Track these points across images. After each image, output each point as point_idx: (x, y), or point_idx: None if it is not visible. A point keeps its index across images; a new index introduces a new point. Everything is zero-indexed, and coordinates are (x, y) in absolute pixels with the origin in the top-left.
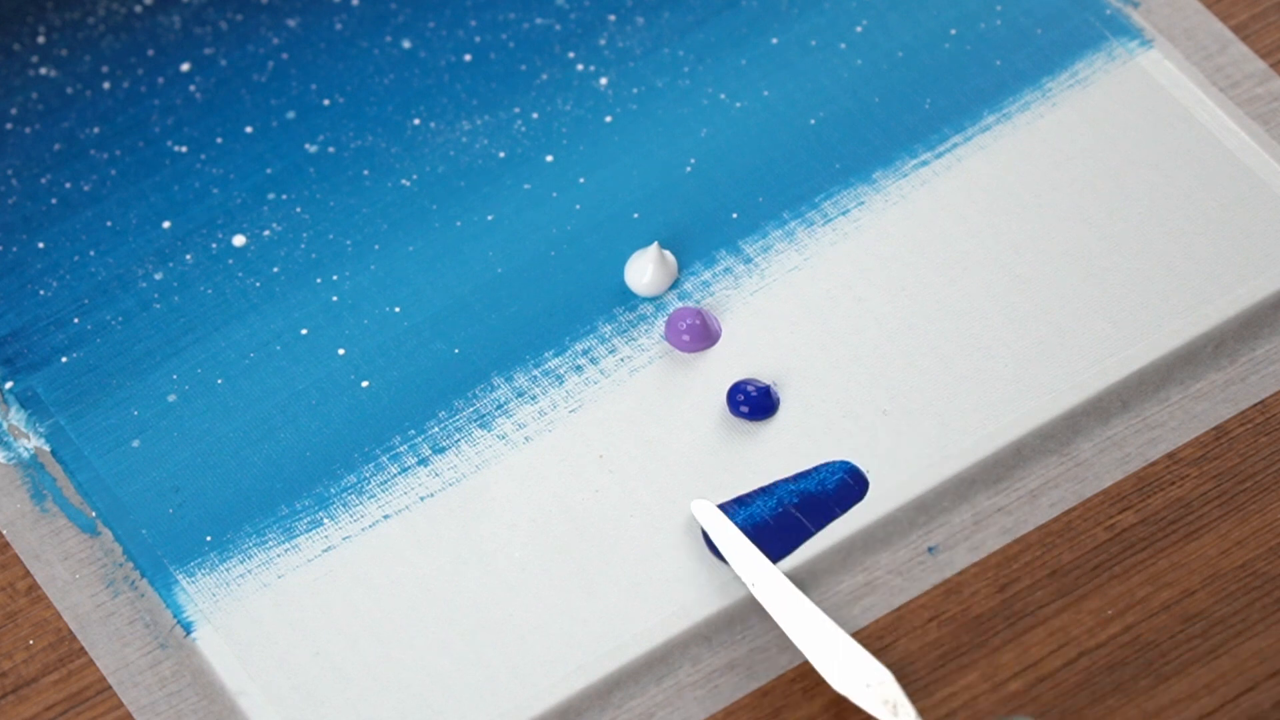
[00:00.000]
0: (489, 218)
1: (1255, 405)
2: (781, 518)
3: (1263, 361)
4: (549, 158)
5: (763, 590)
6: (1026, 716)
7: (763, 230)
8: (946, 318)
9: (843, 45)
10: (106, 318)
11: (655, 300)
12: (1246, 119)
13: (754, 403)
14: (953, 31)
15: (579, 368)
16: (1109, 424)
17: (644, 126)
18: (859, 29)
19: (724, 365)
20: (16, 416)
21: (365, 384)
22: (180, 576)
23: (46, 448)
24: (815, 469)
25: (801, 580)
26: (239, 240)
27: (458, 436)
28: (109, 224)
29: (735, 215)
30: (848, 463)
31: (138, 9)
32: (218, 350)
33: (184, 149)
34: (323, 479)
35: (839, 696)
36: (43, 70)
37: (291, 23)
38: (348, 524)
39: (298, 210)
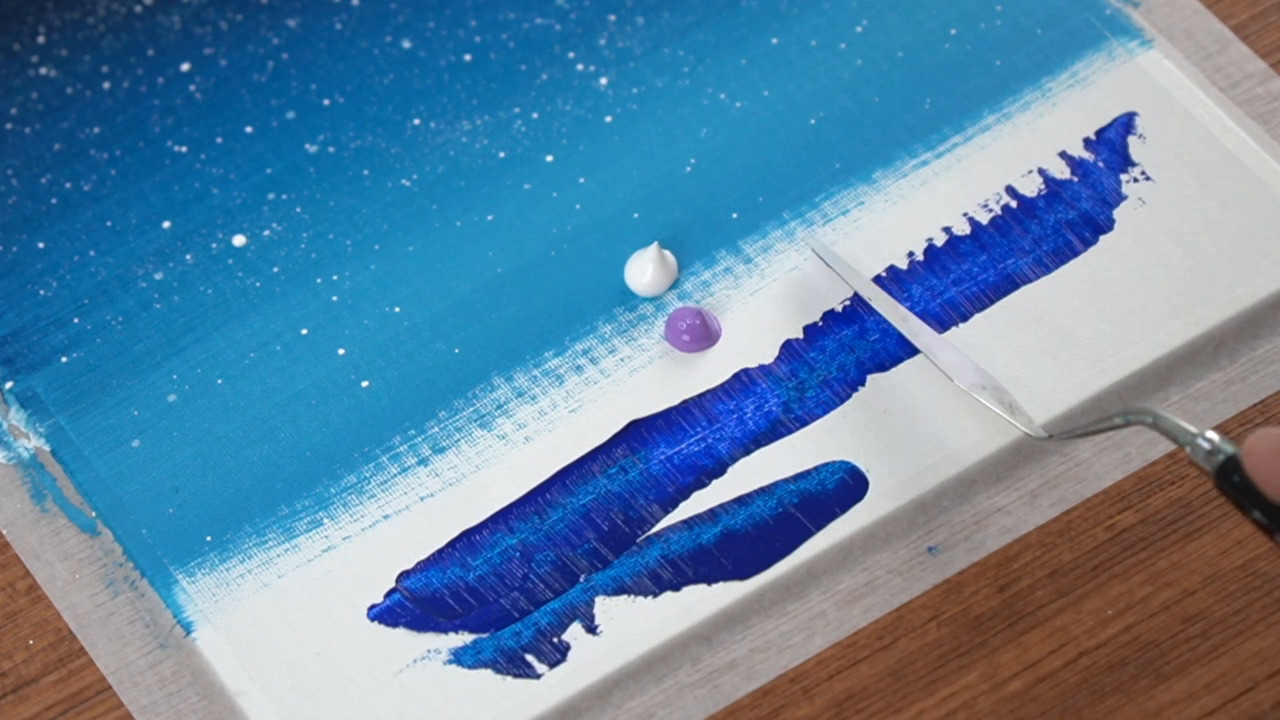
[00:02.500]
0: (489, 218)
1: (1255, 405)
2: (781, 518)
3: (1263, 361)
4: (549, 158)
5: (881, 303)
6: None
7: (763, 230)
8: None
9: (843, 45)
10: (106, 318)
11: (655, 300)
12: (1246, 119)
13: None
14: (953, 31)
15: (579, 368)
16: None
17: (644, 126)
18: (859, 29)
19: (724, 365)
20: (16, 416)
21: (365, 384)
22: (180, 576)
23: (46, 448)
24: (815, 469)
25: (801, 580)
26: (239, 240)
27: (458, 436)
28: (109, 224)
29: (735, 215)
30: (848, 463)
31: (138, 9)
32: (218, 350)
33: (184, 149)
34: (323, 479)
35: (839, 696)
36: (43, 70)
37: (291, 23)
38: (348, 524)
39: (298, 210)
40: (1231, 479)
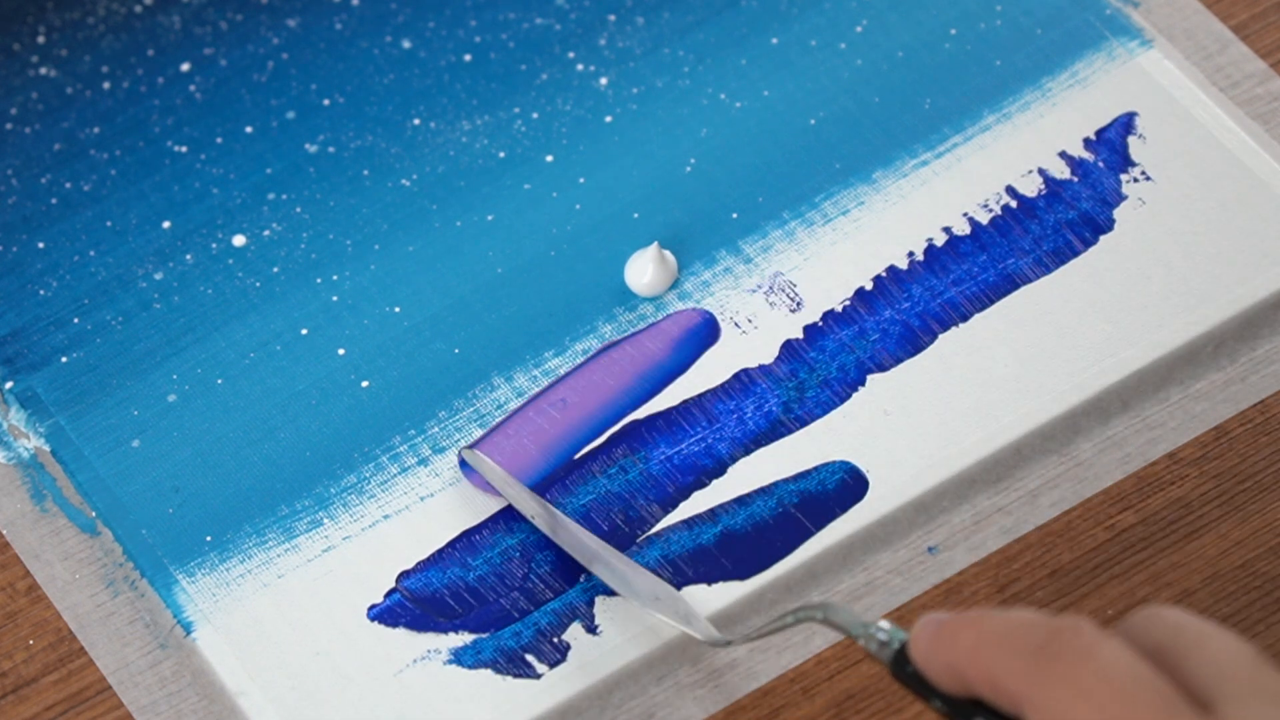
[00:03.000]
0: (489, 218)
1: (1255, 405)
2: (781, 518)
3: (1263, 361)
4: (549, 158)
5: (544, 523)
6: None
7: (763, 230)
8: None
9: (843, 45)
10: (106, 318)
11: (655, 300)
12: (1246, 119)
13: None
14: (953, 31)
15: None
16: (1109, 424)
17: (644, 126)
18: (859, 29)
19: (725, 365)
20: (16, 416)
21: (365, 384)
22: (180, 576)
23: (46, 448)
24: (815, 469)
25: (801, 580)
26: (239, 240)
27: (458, 436)
28: (109, 224)
29: (735, 215)
30: (848, 463)
31: (138, 9)
32: (218, 350)
33: (184, 149)
34: (323, 479)
35: (839, 697)
36: (43, 70)
37: (291, 23)
38: (348, 524)
39: (298, 210)
40: (906, 669)
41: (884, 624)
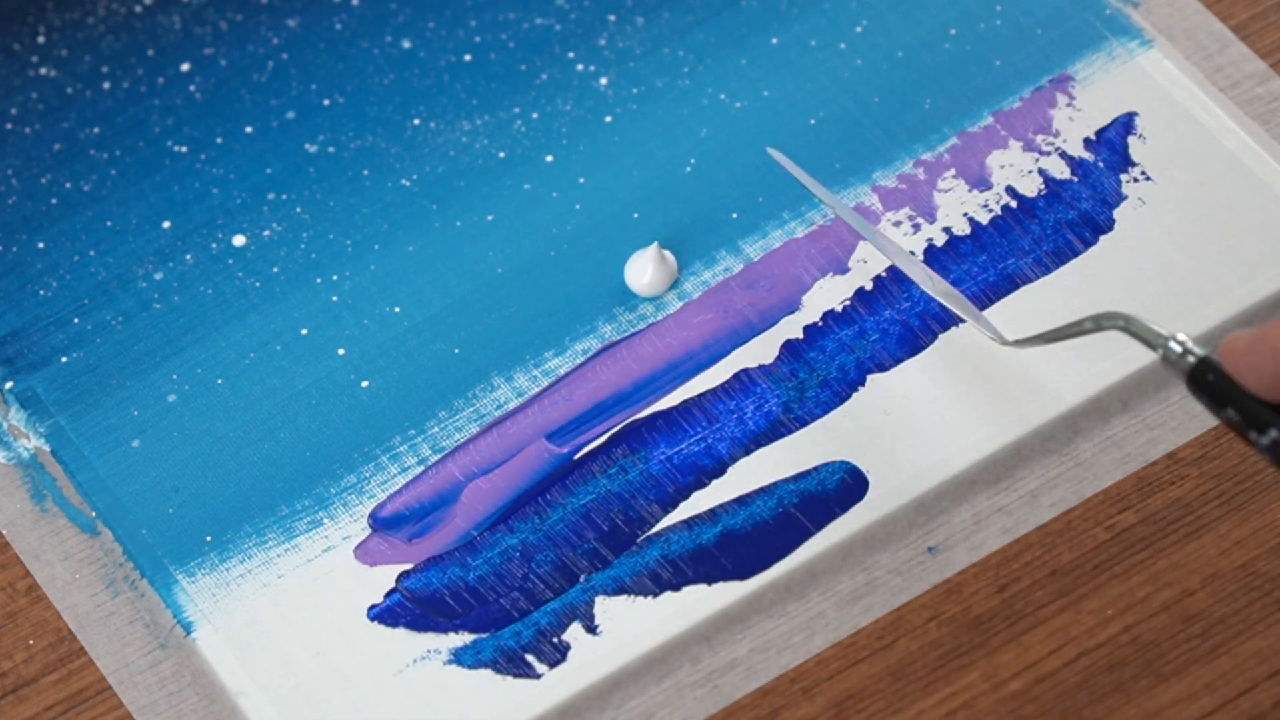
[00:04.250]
0: (489, 218)
1: None
2: (781, 518)
3: None
4: (549, 158)
5: (844, 213)
6: None
7: (763, 230)
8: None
9: (843, 45)
10: (106, 318)
11: (655, 300)
12: (1246, 119)
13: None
14: (953, 31)
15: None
16: (1109, 424)
17: (644, 126)
18: (859, 29)
19: (725, 364)
20: (16, 416)
21: (365, 384)
22: (180, 576)
23: (46, 448)
24: (815, 469)
25: (801, 580)
26: (239, 240)
27: (458, 436)
28: (109, 224)
29: (735, 215)
30: (848, 463)
31: (138, 9)
32: (218, 350)
33: (184, 149)
34: (323, 479)
35: (839, 696)
36: (43, 70)
37: (291, 23)
38: (348, 524)
39: (298, 210)
40: (1205, 379)
41: (1181, 336)
